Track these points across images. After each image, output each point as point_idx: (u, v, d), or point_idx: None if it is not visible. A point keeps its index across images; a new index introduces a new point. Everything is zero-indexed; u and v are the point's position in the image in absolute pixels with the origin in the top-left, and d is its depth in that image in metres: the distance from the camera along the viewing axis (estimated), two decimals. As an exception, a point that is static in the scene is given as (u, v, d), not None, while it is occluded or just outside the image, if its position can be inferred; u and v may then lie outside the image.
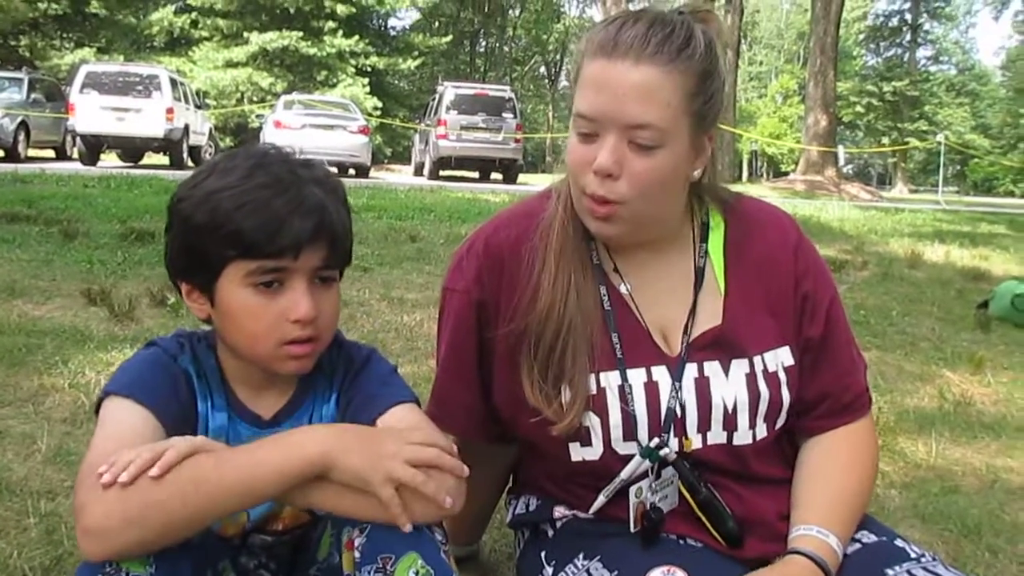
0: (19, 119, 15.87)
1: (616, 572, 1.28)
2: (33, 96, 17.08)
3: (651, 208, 1.30)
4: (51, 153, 18.02)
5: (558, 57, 52.45)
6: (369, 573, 1.12)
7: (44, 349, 3.20)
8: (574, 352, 1.32)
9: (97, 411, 1.22)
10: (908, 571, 1.25)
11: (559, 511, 1.45)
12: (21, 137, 15.93)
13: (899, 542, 1.34)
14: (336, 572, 1.20)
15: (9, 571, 1.71)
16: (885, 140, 46.07)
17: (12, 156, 15.37)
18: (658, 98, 1.22)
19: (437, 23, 44.99)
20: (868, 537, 1.36)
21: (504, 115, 18.44)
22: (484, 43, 50.36)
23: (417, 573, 1.11)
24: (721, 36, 1.29)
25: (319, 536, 1.31)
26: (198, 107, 19.07)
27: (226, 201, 1.17)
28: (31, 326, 3.49)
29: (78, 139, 16.06)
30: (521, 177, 18.87)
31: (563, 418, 1.32)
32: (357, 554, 1.14)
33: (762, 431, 1.37)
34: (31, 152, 16.55)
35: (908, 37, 52.36)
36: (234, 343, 1.26)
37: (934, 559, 1.29)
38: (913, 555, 1.30)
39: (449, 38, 41.37)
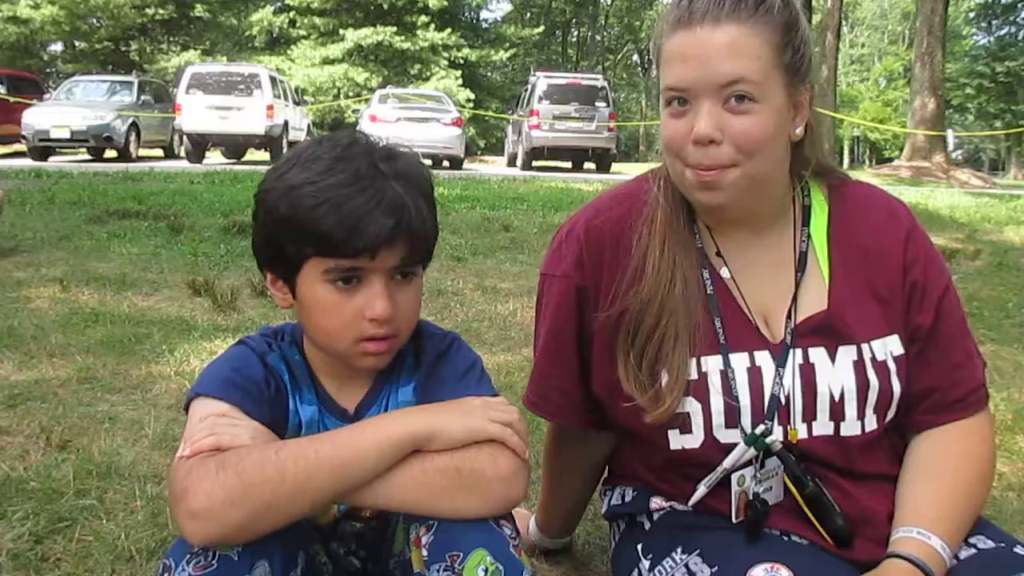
0: (130, 120, 16.56)
1: (716, 568, 1.24)
2: (143, 98, 17.81)
3: (758, 168, 1.25)
4: (160, 152, 18.76)
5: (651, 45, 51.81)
6: (438, 571, 1.09)
7: (152, 339, 3.32)
8: (674, 338, 1.29)
9: (186, 410, 1.23)
10: None
11: (656, 502, 1.41)
12: (132, 137, 16.63)
13: (1019, 549, 1.25)
14: (410, 568, 1.18)
15: (117, 552, 1.78)
16: (998, 124, 43.77)
17: (124, 156, 16.10)
18: (747, 52, 1.20)
19: (529, 14, 45.08)
20: (984, 542, 1.27)
21: (597, 104, 18.29)
22: (576, 32, 50.19)
23: (487, 570, 1.08)
24: None
25: (393, 529, 1.30)
26: (296, 104, 19.58)
27: (307, 198, 1.15)
28: (140, 316, 3.64)
29: (185, 138, 16.69)
30: (614, 166, 18.73)
31: (658, 405, 1.28)
32: (424, 552, 1.12)
33: (871, 423, 1.30)
34: (142, 152, 17.27)
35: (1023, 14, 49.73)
36: (313, 336, 1.27)
37: None
38: None
39: (541, 28, 41.44)
